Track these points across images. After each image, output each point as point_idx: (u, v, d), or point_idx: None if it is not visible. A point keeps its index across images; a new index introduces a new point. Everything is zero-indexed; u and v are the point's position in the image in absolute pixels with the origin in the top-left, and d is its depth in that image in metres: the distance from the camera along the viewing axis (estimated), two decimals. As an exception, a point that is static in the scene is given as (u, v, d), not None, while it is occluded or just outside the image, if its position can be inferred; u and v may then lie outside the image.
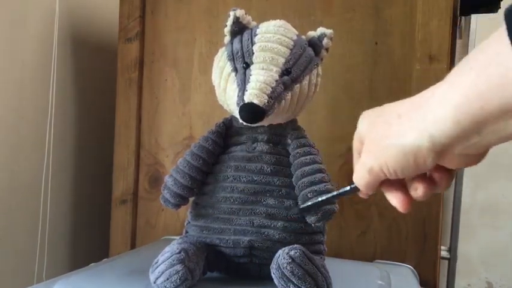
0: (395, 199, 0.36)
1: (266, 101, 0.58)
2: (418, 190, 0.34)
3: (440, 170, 0.33)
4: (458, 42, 1.47)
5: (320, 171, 0.61)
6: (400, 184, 0.36)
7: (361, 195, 0.39)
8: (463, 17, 1.34)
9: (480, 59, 0.26)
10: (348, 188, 0.40)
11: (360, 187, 0.37)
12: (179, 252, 0.56)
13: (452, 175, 0.34)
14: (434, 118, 0.29)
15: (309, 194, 0.59)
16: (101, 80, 1.19)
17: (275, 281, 0.55)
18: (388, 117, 0.33)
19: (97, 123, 1.18)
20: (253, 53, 0.61)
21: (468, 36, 1.69)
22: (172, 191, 0.64)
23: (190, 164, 0.64)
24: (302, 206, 0.57)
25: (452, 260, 1.62)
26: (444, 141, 0.29)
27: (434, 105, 0.29)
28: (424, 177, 0.34)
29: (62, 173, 1.08)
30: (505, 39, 0.23)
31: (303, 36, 0.66)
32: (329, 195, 0.49)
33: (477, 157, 0.31)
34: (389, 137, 0.32)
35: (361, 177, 0.36)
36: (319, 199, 0.53)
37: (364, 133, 0.36)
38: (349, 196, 0.43)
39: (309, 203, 0.55)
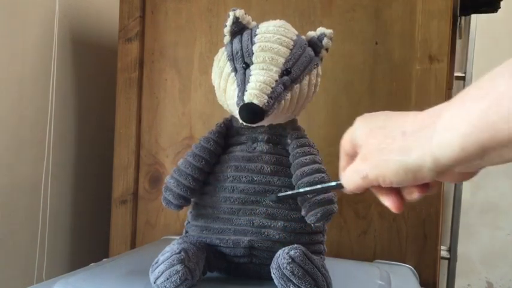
0: (388, 201, 0.37)
1: (266, 101, 0.58)
2: (413, 194, 0.35)
3: None
4: (458, 42, 1.47)
5: (319, 171, 0.61)
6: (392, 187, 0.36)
7: (345, 191, 0.40)
8: (463, 17, 1.34)
9: (492, 89, 0.26)
10: (334, 183, 0.41)
11: (348, 188, 0.38)
12: (179, 252, 0.56)
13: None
14: (441, 142, 0.29)
15: (308, 194, 0.59)
16: (101, 80, 1.19)
17: (275, 281, 0.55)
18: (391, 131, 0.34)
19: (97, 123, 1.19)
20: (253, 53, 0.61)
21: (468, 36, 1.69)
22: (175, 193, 0.64)
23: (193, 165, 0.64)
24: (280, 194, 0.54)
25: (452, 260, 1.62)
26: (447, 163, 0.30)
27: (441, 129, 0.29)
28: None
29: (62, 173, 1.08)
30: None
31: (303, 36, 0.66)
32: (312, 188, 0.47)
33: (472, 174, 0.33)
34: (391, 151, 0.33)
35: (352, 180, 0.37)
36: (300, 190, 0.50)
37: (360, 139, 0.36)
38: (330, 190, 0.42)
39: (288, 192, 0.52)
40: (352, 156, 0.39)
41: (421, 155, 0.31)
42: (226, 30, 0.65)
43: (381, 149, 0.34)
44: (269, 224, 0.62)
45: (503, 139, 0.26)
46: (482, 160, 0.29)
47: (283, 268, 0.54)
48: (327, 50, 0.67)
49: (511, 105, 0.25)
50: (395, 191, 0.37)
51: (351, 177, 0.37)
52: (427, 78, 0.84)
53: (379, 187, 0.36)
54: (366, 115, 0.38)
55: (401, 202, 0.37)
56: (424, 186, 0.35)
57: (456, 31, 1.14)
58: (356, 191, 0.38)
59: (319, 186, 0.44)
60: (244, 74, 0.61)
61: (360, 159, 0.36)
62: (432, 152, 0.30)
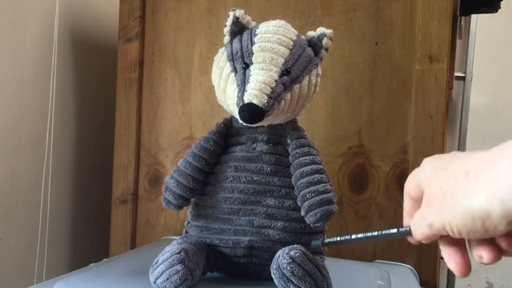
0: (453, 262, 0.32)
1: (266, 101, 0.58)
2: (484, 258, 0.30)
3: (510, 236, 0.29)
4: (458, 42, 1.47)
5: (319, 171, 0.61)
6: (461, 242, 0.32)
7: (411, 241, 0.36)
8: (463, 17, 1.34)
9: None
10: (402, 230, 0.35)
11: (416, 238, 0.34)
12: (179, 252, 0.56)
13: None
14: (509, 182, 0.26)
15: (307, 195, 0.59)
16: (101, 80, 1.19)
17: (275, 281, 0.55)
18: (454, 171, 0.30)
19: (97, 123, 1.19)
20: (252, 53, 0.61)
21: (468, 36, 1.69)
22: (175, 193, 0.64)
23: (192, 165, 0.64)
24: (327, 240, 0.43)
25: (452, 260, 1.61)
26: None
27: (509, 167, 0.26)
28: (490, 241, 0.30)
29: (62, 173, 1.08)
30: None
31: (303, 36, 0.66)
32: (367, 234, 0.38)
33: None
34: (455, 195, 0.29)
35: (420, 229, 0.33)
36: (353, 237, 0.41)
37: (424, 181, 0.33)
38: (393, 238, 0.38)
39: (337, 239, 0.42)
40: (417, 200, 0.35)
41: (487, 198, 0.26)
42: (226, 30, 0.65)
43: (444, 192, 0.30)
44: (269, 224, 0.62)
45: None
46: None
47: (283, 268, 0.54)
48: (326, 50, 0.67)
49: None
50: (462, 249, 0.32)
51: (418, 224, 0.33)
52: (427, 78, 0.84)
53: (449, 239, 0.32)
54: (434, 156, 0.33)
55: (466, 265, 0.31)
56: (496, 248, 0.30)
57: (456, 31, 1.14)
58: (425, 241, 0.33)
59: (376, 233, 0.37)
60: (244, 74, 0.61)
61: (425, 205, 0.32)
62: (499, 194, 0.26)
